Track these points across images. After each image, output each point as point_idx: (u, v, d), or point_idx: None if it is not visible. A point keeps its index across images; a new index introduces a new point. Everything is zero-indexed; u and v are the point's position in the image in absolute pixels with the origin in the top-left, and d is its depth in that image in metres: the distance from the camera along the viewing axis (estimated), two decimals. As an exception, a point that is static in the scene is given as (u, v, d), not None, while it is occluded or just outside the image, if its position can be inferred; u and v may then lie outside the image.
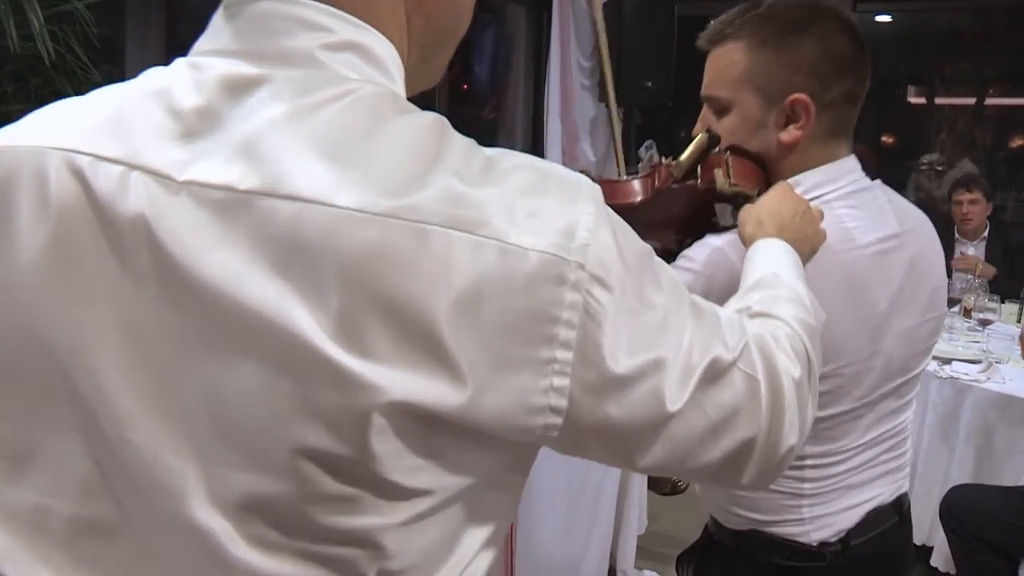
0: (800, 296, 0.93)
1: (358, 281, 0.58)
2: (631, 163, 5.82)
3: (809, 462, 1.23)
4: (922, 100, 7.51)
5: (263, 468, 0.60)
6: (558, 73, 5.43)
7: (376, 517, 0.62)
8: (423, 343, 0.58)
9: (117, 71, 4.23)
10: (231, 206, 0.60)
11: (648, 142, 1.31)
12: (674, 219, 1.28)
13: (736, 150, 1.24)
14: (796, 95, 1.19)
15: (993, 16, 5.87)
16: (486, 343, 0.60)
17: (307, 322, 0.58)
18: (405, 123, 0.65)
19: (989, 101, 6.34)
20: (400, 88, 0.72)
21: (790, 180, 1.21)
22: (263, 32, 0.67)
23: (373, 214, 0.59)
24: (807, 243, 1.08)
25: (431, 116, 0.68)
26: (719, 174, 1.19)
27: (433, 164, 0.63)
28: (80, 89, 3.32)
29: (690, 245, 1.23)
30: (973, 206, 4.68)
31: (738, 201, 1.19)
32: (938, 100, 7.03)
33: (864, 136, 6.89)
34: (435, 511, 0.64)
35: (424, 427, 0.60)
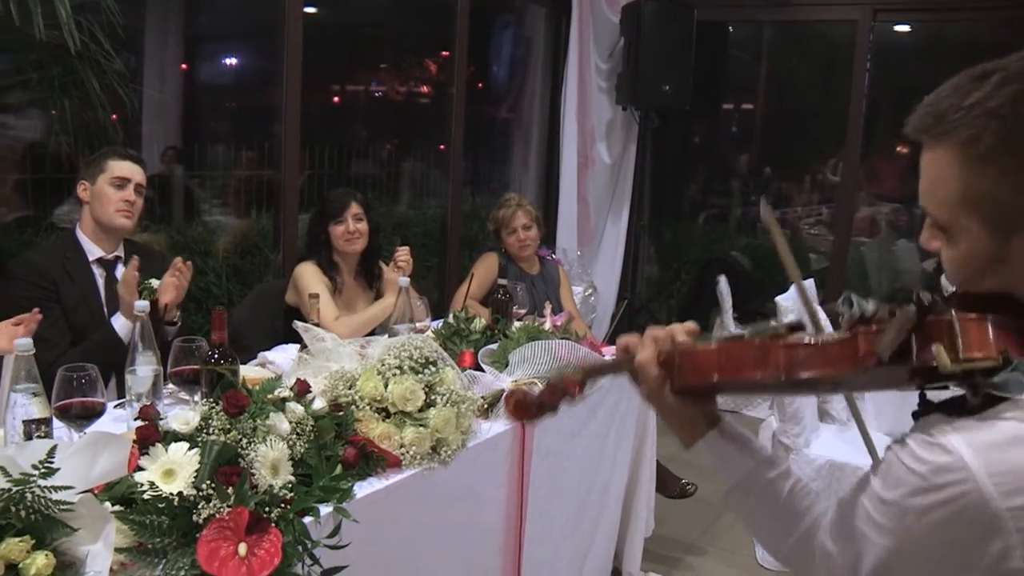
0: None
1: None
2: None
3: None
4: (939, 111, 7.46)
5: None
6: (576, 75, 5.43)
7: None
8: None
9: (136, 60, 4.26)
10: None
11: (845, 294, 1.02)
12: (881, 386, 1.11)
13: (965, 300, 0.93)
14: None
15: (1011, 27, 5.86)
16: None
17: None
18: None
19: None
20: None
21: None
22: None
23: None
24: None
25: None
26: (940, 352, 0.87)
27: None
28: (102, 78, 3.35)
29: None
30: None
31: (975, 381, 0.88)
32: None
33: (882, 146, 6.87)
34: None
35: None
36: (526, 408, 1.25)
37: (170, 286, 2.57)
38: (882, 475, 0.90)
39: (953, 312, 0.89)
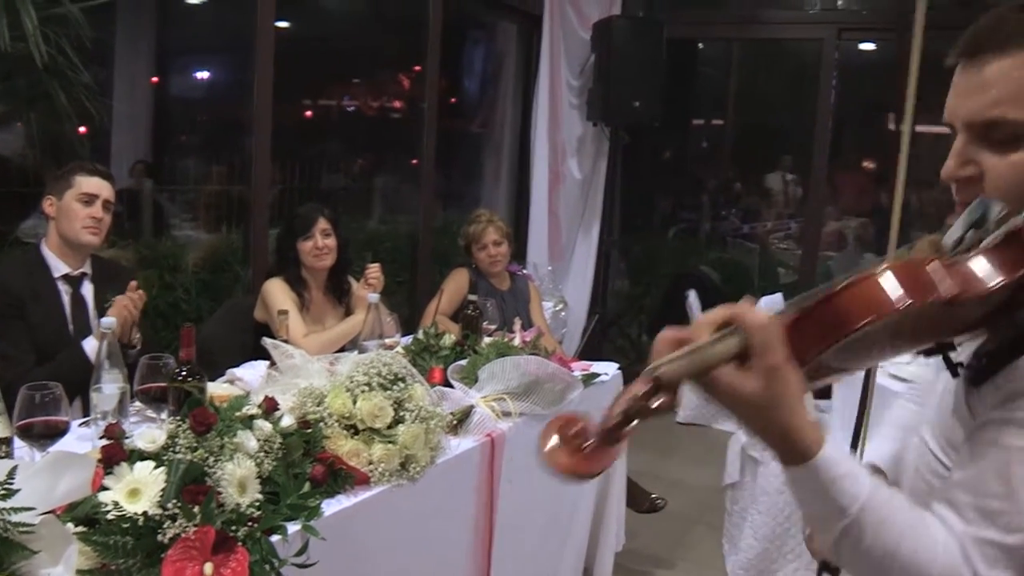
0: None
1: None
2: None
3: None
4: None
5: None
6: (547, 91, 5.47)
7: None
8: None
9: (106, 74, 4.23)
10: None
11: (976, 202, 0.93)
12: None
13: None
14: None
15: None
16: None
17: None
18: None
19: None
20: None
21: None
22: None
23: None
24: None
25: None
26: None
27: None
28: (70, 91, 3.33)
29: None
30: None
31: None
32: (918, 128, 7.13)
33: (849, 161, 6.97)
34: None
35: None
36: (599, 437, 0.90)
37: (120, 309, 2.52)
38: None
39: None
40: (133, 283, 2.58)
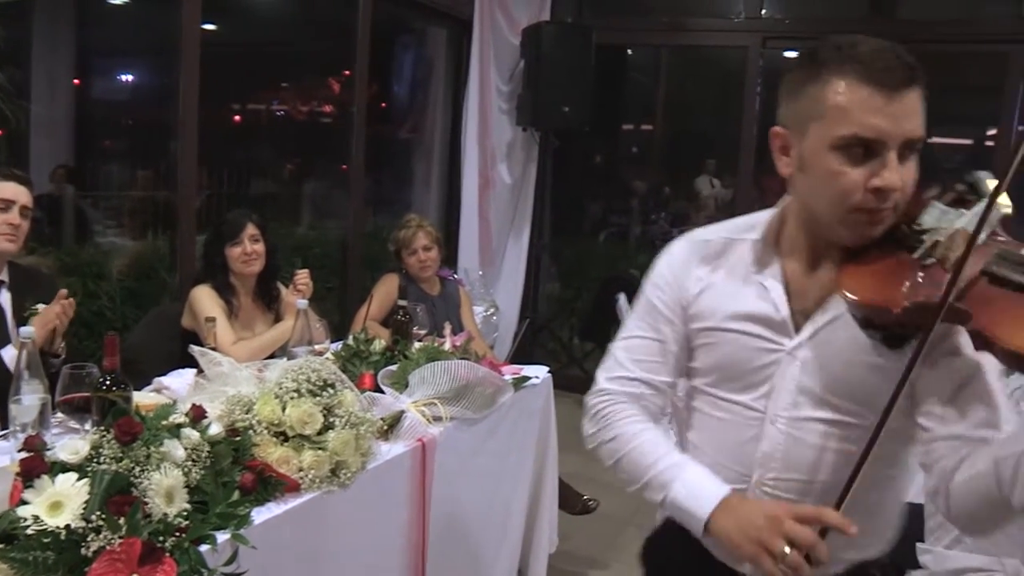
0: None
1: None
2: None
3: None
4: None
5: None
6: (477, 96, 5.49)
7: None
8: None
9: (23, 75, 4.11)
10: None
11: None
12: None
13: None
14: None
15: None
16: None
17: None
18: None
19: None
20: None
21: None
22: None
23: None
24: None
25: None
26: None
27: None
28: (-18, 93, 3.22)
29: None
30: None
31: None
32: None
33: (769, 166, 7.13)
34: None
35: None
36: None
37: (52, 318, 2.47)
38: None
39: None
40: (63, 291, 2.52)
